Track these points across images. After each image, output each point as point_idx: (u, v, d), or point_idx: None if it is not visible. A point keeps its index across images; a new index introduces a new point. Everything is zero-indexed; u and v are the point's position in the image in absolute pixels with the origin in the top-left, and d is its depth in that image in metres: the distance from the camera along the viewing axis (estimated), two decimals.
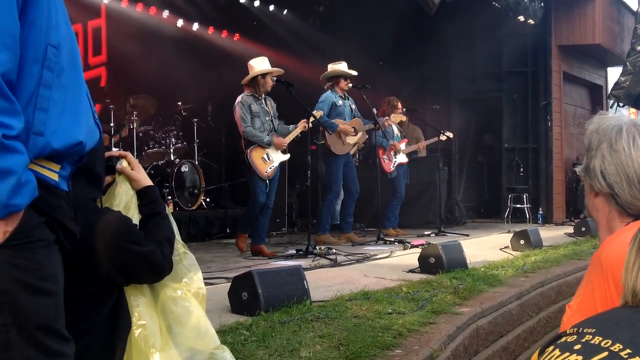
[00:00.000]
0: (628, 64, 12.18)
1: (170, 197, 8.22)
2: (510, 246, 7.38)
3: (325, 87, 7.91)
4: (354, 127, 7.91)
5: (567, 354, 1.03)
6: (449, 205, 11.22)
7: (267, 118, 6.77)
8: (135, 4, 9.53)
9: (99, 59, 9.50)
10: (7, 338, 1.35)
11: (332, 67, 7.92)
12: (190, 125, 9.21)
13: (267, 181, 6.68)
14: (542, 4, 11.22)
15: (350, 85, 7.90)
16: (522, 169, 12.10)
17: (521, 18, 10.72)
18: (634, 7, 13.28)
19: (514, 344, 4.65)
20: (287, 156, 6.97)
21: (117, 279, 1.88)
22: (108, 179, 2.09)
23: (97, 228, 1.83)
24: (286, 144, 6.87)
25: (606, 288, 1.40)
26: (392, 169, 9.06)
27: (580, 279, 1.53)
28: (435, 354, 3.36)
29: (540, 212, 11.80)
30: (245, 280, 3.87)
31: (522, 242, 7.33)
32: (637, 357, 0.99)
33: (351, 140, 7.89)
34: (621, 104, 12.70)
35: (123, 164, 2.12)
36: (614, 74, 13.94)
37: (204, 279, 2.30)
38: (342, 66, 7.89)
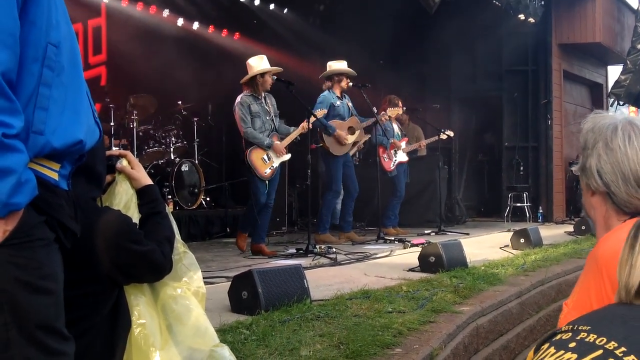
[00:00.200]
0: (628, 62, 12.18)
1: (170, 197, 8.22)
2: (510, 245, 7.38)
3: (324, 86, 7.90)
4: (352, 126, 7.91)
5: (562, 351, 1.03)
6: (449, 204, 11.22)
7: (267, 117, 6.75)
8: (135, 3, 9.53)
9: (99, 58, 9.50)
10: (7, 337, 1.35)
11: (334, 65, 7.91)
12: (191, 124, 9.21)
13: (267, 182, 6.68)
14: (543, 3, 11.22)
15: (351, 84, 7.90)
16: (522, 168, 12.09)
17: (521, 16, 10.72)
18: (635, 6, 13.28)
19: (514, 343, 4.65)
20: (288, 156, 6.92)
21: (117, 278, 1.88)
22: (108, 178, 2.09)
23: (97, 227, 1.83)
24: (285, 151, 6.78)
25: (602, 285, 1.40)
26: (392, 167, 9.06)
27: None
28: (435, 352, 3.36)
29: (541, 210, 11.79)
30: (245, 279, 3.87)
31: (522, 240, 7.33)
32: (632, 355, 0.99)
33: (350, 139, 7.89)
34: (621, 103, 12.70)
35: (123, 163, 2.13)
36: (614, 72, 13.94)
37: (204, 278, 2.30)
38: (343, 65, 7.89)
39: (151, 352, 1.87)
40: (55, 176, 1.47)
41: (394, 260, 6.29)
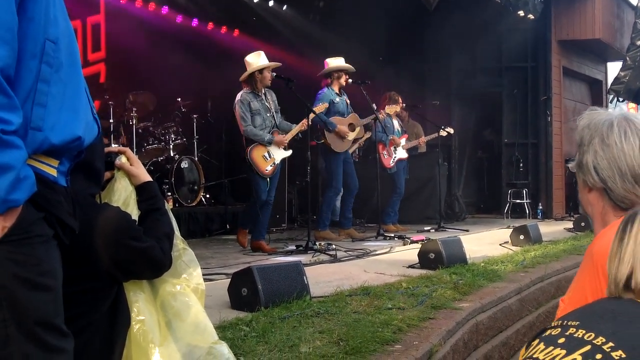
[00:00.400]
0: (628, 58, 12.17)
1: (169, 194, 8.22)
2: (509, 241, 7.39)
3: (323, 83, 7.89)
4: (352, 123, 7.91)
5: (551, 347, 1.03)
6: (448, 200, 11.23)
7: (268, 114, 6.73)
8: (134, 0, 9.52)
9: (98, 55, 9.48)
10: (6, 334, 1.35)
11: (332, 63, 7.90)
12: (190, 121, 9.20)
13: (268, 179, 6.67)
14: None
15: (350, 80, 7.89)
16: (521, 164, 12.10)
17: (521, 13, 10.70)
18: (634, 2, 13.27)
19: (513, 339, 4.66)
20: (288, 152, 6.89)
21: (116, 275, 1.88)
22: (107, 174, 2.08)
23: (96, 224, 1.83)
24: (287, 142, 6.82)
25: (597, 281, 1.40)
26: (392, 164, 9.06)
27: None
28: (435, 349, 3.36)
29: (540, 207, 11.79)
30: (245, 276, 3.87)
31: (521, 237, 7.34)
32: (620, 351, 0.99)
33: (350, 136, 7.89)
34: (621, 99, 12.70)
35: (122, 159, 2.12)
36: (613, 68, 13.91)
37: (204, 275, 2.30)
38: (341, 61, 7.88)
39: (150, 349, 1.87)
40: (54, 172, 1.47)
41: (394, 257, 6.30)
